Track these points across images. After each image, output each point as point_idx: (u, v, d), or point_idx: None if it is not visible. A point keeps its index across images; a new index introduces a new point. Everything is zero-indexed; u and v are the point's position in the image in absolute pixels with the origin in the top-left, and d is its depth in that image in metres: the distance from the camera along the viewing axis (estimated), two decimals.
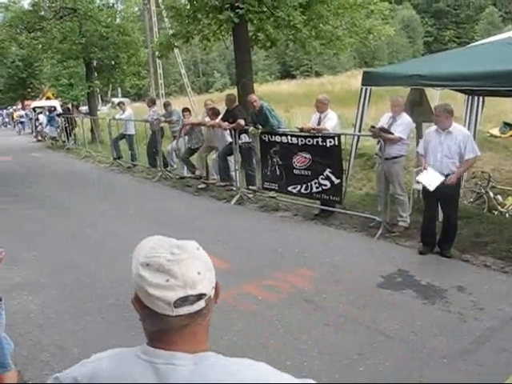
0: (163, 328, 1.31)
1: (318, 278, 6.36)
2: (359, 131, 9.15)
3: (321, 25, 13.12)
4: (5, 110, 51.12)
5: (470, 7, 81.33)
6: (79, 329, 5.40)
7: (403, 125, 7.96)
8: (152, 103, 17.18)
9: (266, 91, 32.39)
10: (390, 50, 70.53)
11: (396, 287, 5.97)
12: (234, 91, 14.02)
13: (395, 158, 7.93)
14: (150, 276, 1.30)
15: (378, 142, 8.26)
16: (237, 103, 11.52)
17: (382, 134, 7.98)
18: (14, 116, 43.15)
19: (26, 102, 47.42)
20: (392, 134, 7.87)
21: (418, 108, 9.19)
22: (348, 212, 8.77)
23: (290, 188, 9.48)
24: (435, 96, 9.97)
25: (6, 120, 47.83)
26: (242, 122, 10.36)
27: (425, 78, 7.81)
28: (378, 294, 5.84)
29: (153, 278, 1.29)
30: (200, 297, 1.30)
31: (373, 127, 8.25)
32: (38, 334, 5.35)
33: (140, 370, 1.31)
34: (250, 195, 10.62)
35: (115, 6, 26.09)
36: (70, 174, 15.82)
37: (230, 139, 10.90)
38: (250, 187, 10.76)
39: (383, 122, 8.21)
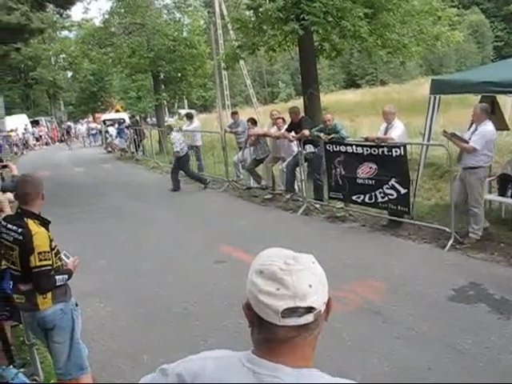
0: (269, 337, 1.32)
1: (386, 290, 6.25)
2: (428, 140, 8.96)
3: (387, 33, 12.95)
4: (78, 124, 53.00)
5: None
6: (149, 337, 5.52)
7: (479, 135, 7.57)
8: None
9: (331, 101, 32.23)
10: (458, 56, 68.75)
11: (468, 301, 5.79)
12: (300, 101, 14.07)
13: (472, 168, 7.64)
14: (262, 283, 1.30)
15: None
16: (302, 115, 11.52)
17: (453, 140, 7.78)
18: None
19: (97, 115, 49.00)
20: (466, 142, 7.63)
21: (491, 116, 8.92)
22: (417, 223, 8.58)
23: (354, 197, 9.39)
24: (507, 103, 9.68)
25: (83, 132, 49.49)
26: (306, 132, 10.34)
27: (497, 84, 7.60)
28: (450, 307, 5.68)
29: (264, 285, 1.29)
30: (309, 310, 1.29)
31: (445, 131, 8.04)
32: (110, 341, 5.51)
33: (243, 379, 1.32)
34: (317, 205, 10.56)
35: (182, 19, 26.69)
36: (138, 185, 16.23)
37: (296, 150, 10.90)
38: (318, 198, 10.71)
39: (469, 132, 7.91)
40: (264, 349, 1.34)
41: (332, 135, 9.70)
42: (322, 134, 10.02)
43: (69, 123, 50.60)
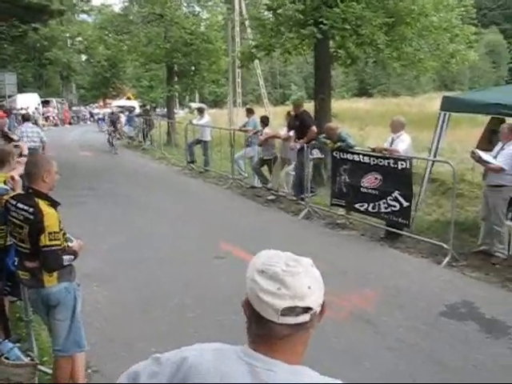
0: (267, 334, 1.40)
1: (380, 301, 6.34)
2: (434, 156, 9.03)
3: (403, 46, 13.01)
4: (88, 107, 53.16)
5: None
6: (143, 325, 5.61)
7: (507, 155, 7.54)
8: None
9: (342, 108, 32.29)
10: (473, 74, 68.72)
11: (459, 318, 5.87)
12: (310, 105, 14.10)
13: (497, 186, 7.67)
14: (264, 282, 1.38)
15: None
16: (303, 108, 11.57)
17: (480, 162, 7.86)
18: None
19: (107, 101, 49.14)
20: (490, 162, 7.67)
21: (498, 138, 8.97)
22: (415, 236, 8.65)
23: (357, 205, 9.46)
24: None
25: (88, 116, 49.72)
26: (314, 129, 10.36)
27: (507, 107, 7.66)
28: (440, 322, 5.76)
29: (266, 284, 1.38)
30: (306, 310, 1.38)
31: (473, 152, 8.07)
32: (105, 325, 5.61)
33: (240, 370, 1.40)
34: (318, 211, 10.63)
35: (201, 14, 26.77)
36: (144, 174, 16.34)
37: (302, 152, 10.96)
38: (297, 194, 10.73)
39: (495, 150, 7.95)
40: (260, 344, 1.42)
41: (339, 144, 9.75)
42: (328, 141, 10.07)
43: (78, 107, 50.87)
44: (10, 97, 31.91)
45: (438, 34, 13.36)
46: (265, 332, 1.40)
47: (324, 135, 10.32)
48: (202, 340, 1.60)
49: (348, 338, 5.34)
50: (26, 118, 13.83)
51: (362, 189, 9.27)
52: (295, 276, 1.38)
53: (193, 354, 1.49)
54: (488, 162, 7.71)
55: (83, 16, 54.51)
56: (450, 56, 13.68)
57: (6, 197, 4.19)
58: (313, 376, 1.44)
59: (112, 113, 27.43)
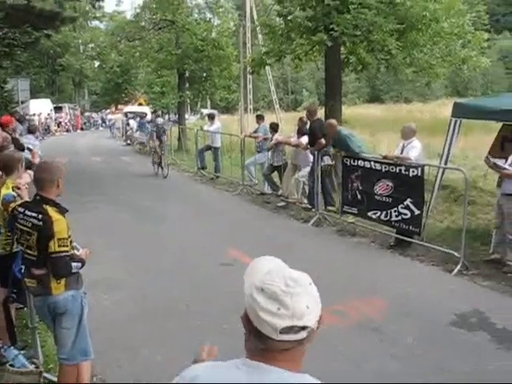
0: (265, 348, 1.46)
1: (388, 309, 6.27)
2: (445, 163, 8.95)
3: (415, 52, 12.96)
4: (99, 113, 53.48)
5: None
6: (149, 332, 5.59)
7: None
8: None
9: (354, 114, 32.20)
10: (485, 80, 68.36)
11: (469, 327, 5.79)
12: (322, 112, 14.07)
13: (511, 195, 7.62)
14: (263, 301, 1.43)
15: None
16: (318, 116, 11.54)
17: (495, 168, 7.80)
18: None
19: (119, 106, 49.40)
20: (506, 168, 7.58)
21: (510, 145, 8.88)
22: (426, 244, 8.56)
23: (369, 213, 9.38)
24: None
25: (99, 122, 50.02)
26: (322, 141, 10.35)
27: None
28: (450, 332, 5.67)
29: (265, 303, 1.43)
30: (304, 328, 1.44)
31: (488, 158, 7.99)
32: (111, 332, 5.59)
33: (238, 376, 1.47)
34: (329, 212, 10.57)
35: (212, 20, 26.87)
36: (154, 179, 16.33)
37: (312, 159, 10.94)
38: (329, 208, 10.73)
39: (510, 158, 7.85)
40: (259, 356, 1.48)
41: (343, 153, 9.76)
42: (332, 149, 10.07)
43: (89, 113, 51.19)
44: (23, 102, 32.14)
45: (450, 39, 13.31)
46: (264, 346, 1.46)
47: (333, 149, 10.30)
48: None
49: (355, 346, 5.28)
50: (30, 131, 13.52)
51: (376, 196, 9.19)
52: (294, 297, 1.43)
53: (191, 369, 1.60)
54: (504, 168, 7.62)
55: (95, 22, 55.05)
56: (461, 62, 13.62)
57: (12, 204, 4.19)
58: (312, 381, 1.51)
59: (157, 125, 18.90)
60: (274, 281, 1.45)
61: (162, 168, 16.88)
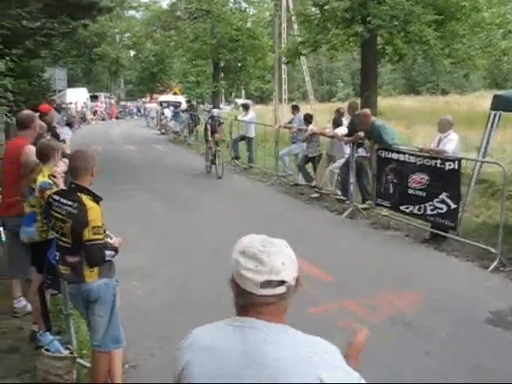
0: (250, 302, 1.68)
1: (422, 304, 6.17)
2: (483, 157, 8.76)
3: (454, 43, 12.69)
4: (134, 102, 53.93)
5: None
6: (181, 321, 5.60)
7: None
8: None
9: (389, 105, 31.73)
10: None
11: (506, 326, 5.65)
12: (358, 102, 13.92)
13: None
14: (244, 262, 1.66)
15: None
16: (357, 112, 11.44)
17: None
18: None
19: (154, 95, 49.76)
20: None
21: None
22: (461, 239, 8.39)
23: (402, 207, 9.26)
24: None
25: (135, 111, 50.43)
26: (360, 133, 10.25)
27: None
28: (485, 329, 5.56)
29: (246, 263, 1.66)
30: (282, 283, 1.64)
31: None
32: (142, 321, 5.64)
33: (229, 332, 1.70)
34: (363, 210, 10.47)
35: (247, 10, 26.81)
36: (189, 170, 16.41)
37: (348, 151, 10.84)
38: (362, 206, 10.63)
39: None
40: (247, 311, 1.70)
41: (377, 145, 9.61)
42: (366, 142, 9.94)
43: (125, 102, 51.66)
44: (60, 91, 32.61)
45: (491, 29, 12.99)
46: (249, 301, 1.68)
47: (367, 142, 10.18)
48: None
49: (387, 341, 5.20)
50: (68, 123, 13.73)
51: (408, 190, 9.06)
52: (271, 255, 1.65)
53: (189, 336, 1.84)
54: None
55: (132, 12, 55.40)
56: (501, 53, 13.28)
57: (48, 192, 4.25)
58: (296, 333, 1.70)
59: (212, 117, 16.70)
60: (254, 244, 1.69)
61: (215, 166, 15.01)
